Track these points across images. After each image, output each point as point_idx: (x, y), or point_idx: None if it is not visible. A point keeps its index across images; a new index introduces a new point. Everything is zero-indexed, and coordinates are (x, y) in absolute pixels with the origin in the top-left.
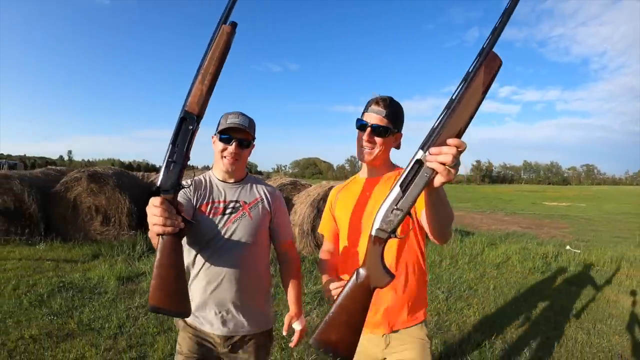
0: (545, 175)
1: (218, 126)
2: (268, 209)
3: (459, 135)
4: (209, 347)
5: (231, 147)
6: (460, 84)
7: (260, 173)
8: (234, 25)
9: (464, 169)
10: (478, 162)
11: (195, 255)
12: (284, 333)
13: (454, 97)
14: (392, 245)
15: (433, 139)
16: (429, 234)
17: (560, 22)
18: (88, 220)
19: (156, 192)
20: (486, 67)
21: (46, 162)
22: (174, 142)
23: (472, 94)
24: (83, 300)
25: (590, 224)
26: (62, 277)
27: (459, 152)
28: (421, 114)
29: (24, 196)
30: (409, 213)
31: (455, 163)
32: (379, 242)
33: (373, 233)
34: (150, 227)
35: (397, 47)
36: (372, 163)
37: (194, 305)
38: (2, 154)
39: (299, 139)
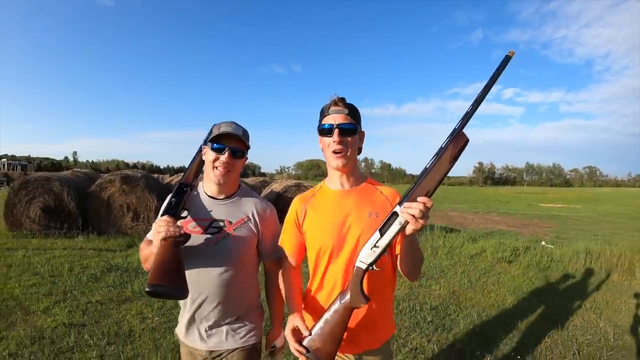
0: (547, 177)
1: (209, 136)
2: (254, 229)
3: (428, 194)
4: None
5: (223, 157)
6: (433, 156)
7: (263, 174)
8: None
9: (466, 171)
10: (480, 164)
11: None
12: (266, 350)
13: (427, 166)
14: (370, 274)
15: (408, 197)
16: (401, 272)
17: (564, 24)
18: (120, 216)
19: (165, 213)
20: (454, 143)
21: (52, 163)
22: (177, 189)
23: (441, 163)
24: (130, 277)
25: (577, 224)
26: (107, 261)
27: (426, 208)
28: (424, 116)
29: (63, 195)
30: (384, 251)
31: (422, 216)
32: (359, 272)
33: (356, 264)
34: (155, 238)
35: (401, 49)
36: (344, 169)
37: (182, 321)
38: (5, 155)
39: (302, 140)
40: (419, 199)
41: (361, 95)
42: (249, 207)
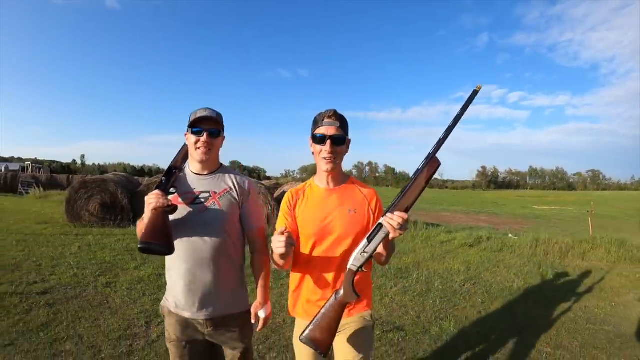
0: (550, 181)
1: (188, 123)
2: (237, 198)
3: (406, 210)
4: (194, 330)
5: (203, 137)
6: (412, 177)
7: (268, 178)
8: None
9: (470, 176)
10: (483, 168)
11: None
12: (252, 320)
13: (406, 186)
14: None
15: (390, 210)
16: (375, 260)
17: (570, 27)
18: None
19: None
20: (429, 167)
21: (61, 165)
22: (167, 171)
23: (418, 183)
24: None
25: (555, 223)
26: None
27: (404, 221)
28: (430, 120)
29: (117, 193)
30: (372, 256)
31: (400, 227)
32: (351, 273)
33: (348, 267)
34: (146, 209)
35: (408, 53)
36: (332, 173)
37: (172, 293)
38: (12, 157)
39: (308, 144)
40: (397, 213)
41: (368, 99)
42: (230, 180)
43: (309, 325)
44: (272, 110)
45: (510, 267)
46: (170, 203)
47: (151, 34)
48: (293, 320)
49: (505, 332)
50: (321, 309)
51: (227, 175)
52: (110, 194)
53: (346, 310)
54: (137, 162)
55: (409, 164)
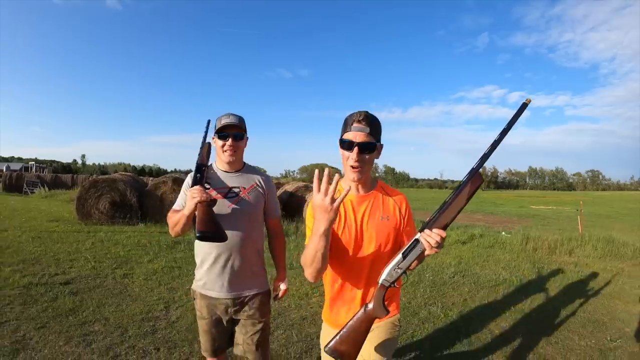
0: (550, 181)
1: (215, 128)
2: (262, 192)
3: (444, 227)
4: (222, 309)
5: (228, 142)
6: (452, 192)
7: None
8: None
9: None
10: (483, 168)
11: None
12: (273, 293)
13: (446, 200)
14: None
15: (429, 225)
16: None
17: (570, 28)
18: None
19: (193, 185)
20: (472, 183)
21: (62, 165)
22: (197, 168)
23: (459, 200)
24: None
25: (549, 221)
26: (172, 238)
27: (442, 239)
28: (430, 120)
29: (126, 192)
30: (405, 272)
31: (437, 246)
32: (382, 288)
33: (380, 282)
34: (189, 202)
35: (408, 53)
36: (359, 182)
37: (205, 278)
38: (13, 157)
39: (308, 144)
40: (436, 231)
41: (368, 99)
42: (256, 177)
43: (335, 336)
44: (272, 110)
45: (499, 261)
46: (212, 197)
47: (151, 34)
48: (297, 304)
49: (486, 316)
50: (349, 320)
51: (251, 173)
52: (120, 193)
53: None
54: (137, 162)
55: (409, 164)
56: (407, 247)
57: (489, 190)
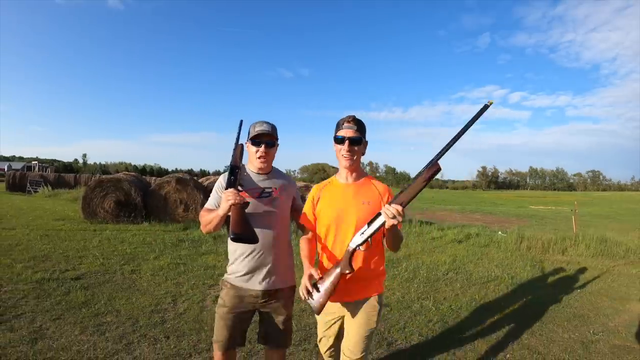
0: (551, 181)
1: (248, 134)
2: (292, 192)
3: (403, 204)
4: (250, 301)
5: (261, 149)
6: (413, 177)
7: None
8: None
9: (470, 176)
10: (484, 168)
11: None
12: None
13: (407, 185)
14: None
15: (390, 202)
16: (386, 245)
17: (571, 28)
18: (174, 208)
19: (227, 187)
20: (428, 170)
21: (63, 164)
22: (231, 170)
23: (416, 184)
24: (199, 244)
25: (546, 221)
26: (175, 237)
27: (398, 212)
28: (430, 120)
29: (131, 191)
30: (369, 238)
31: (393, 217)
32: (350, 250)
33: (349, 245)
34: (224, 204)
35: (409, 53)
36: (351, 168)
37: (242, 270)
38: (14, 156)
39: (309, 144)
40: (394, 205)
41: (368, 99)
42: (284, 179)
43: (319, 278)
44: (273, 109)
45: (493, 259)
46: (245, 200)
47: (153, 34)
48: (297, 296)
49: (476, 309)
50: (324, 275)
51: (280, 175)
52: (125, 193)
53: (349, 292)
54: (139, 162)
55: (409, 163)
56: (373, 218)
57: (489, 190)
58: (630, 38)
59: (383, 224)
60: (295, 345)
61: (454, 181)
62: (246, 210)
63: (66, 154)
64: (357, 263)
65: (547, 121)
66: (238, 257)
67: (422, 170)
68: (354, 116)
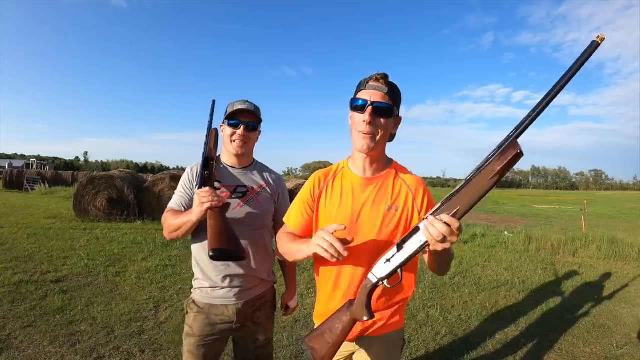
0: (553, 180)
1: (225, 114)
2: (273, 195)
3: (456, 214)
4: (222, 328)
5: (239, 130)
6: (474, 169)
7: None
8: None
9: None
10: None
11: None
12: (282, 310)
13: (466, 178)
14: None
15: (436, 211)
16: (428, 267)
17: (575, 28)
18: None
19: (201, 186)
20: (502, 155)
21: (65, 162)
22: (205, 163)
23: (481, 178)
24: (190, 244)
25: (552, 221)
26: None
27: (450, 231)
28: (433, 119)
29: (123, 189)
30: (399, 268)
31: (443, 240)
32: (369, 284)
33: (368, 275)
34: (198, 208)
35: (413, 51)
36: (370, 153)
37: (209, 284)
38: (15, 154)
39: (310, 142)
40: (444, 217)
41: None
42: (265, 176)
43: (314, 331)
44: (276, 108)
45: (501, 262)
46: (225, 201)
47: (156, 32)
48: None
49: (487, 319)
50: (331, 316)
51: (261, 171)
52: (117, 190)
53: (370, 326)
54: (140, 160)
55: (412, 162)
56: (405, 235)
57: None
58: (633, 37)
59: (423, 247)
60: None
61: (456, 180)
62: None
63: (69, 152)
64: (380, 303)
65: (549, 120)
66: (201, 268)
67: (489, 156)
68: (385, 74)
